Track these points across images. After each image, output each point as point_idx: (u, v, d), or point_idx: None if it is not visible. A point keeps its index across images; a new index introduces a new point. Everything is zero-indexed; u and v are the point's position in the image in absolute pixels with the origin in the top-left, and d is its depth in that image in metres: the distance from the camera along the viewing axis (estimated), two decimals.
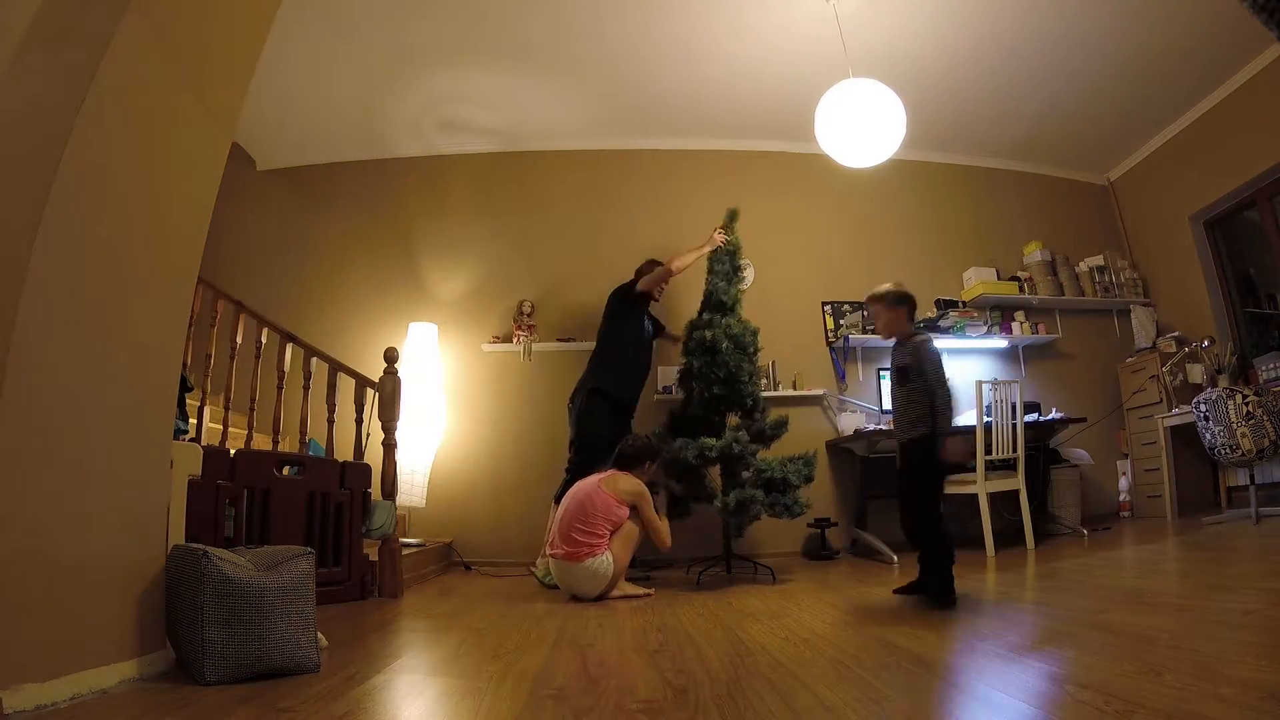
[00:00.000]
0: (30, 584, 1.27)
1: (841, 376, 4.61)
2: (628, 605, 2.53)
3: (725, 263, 3.60)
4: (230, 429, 2.97)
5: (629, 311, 3.73)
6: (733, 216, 3.71)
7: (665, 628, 2.01)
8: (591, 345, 4.46)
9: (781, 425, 3.32)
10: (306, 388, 3.13)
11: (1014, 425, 3.50)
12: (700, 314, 3.51)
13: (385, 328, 4.52)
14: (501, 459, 4.39)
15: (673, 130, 4.87)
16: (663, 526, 2.88)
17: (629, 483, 2.84)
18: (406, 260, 4.75)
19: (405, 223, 4.83)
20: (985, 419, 3.47)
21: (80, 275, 1.43)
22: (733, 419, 3.34)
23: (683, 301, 4.20)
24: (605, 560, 2.66)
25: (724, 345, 3.25)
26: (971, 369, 4.70)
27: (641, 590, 2.79)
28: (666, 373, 4.27)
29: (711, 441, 3.08)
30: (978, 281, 4.81)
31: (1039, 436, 4.04)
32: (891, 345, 2.55)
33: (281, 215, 4.85)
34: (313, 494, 2.63)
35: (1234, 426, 3.45)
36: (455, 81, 4.25)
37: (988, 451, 3.44)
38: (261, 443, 3.08)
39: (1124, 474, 4.60)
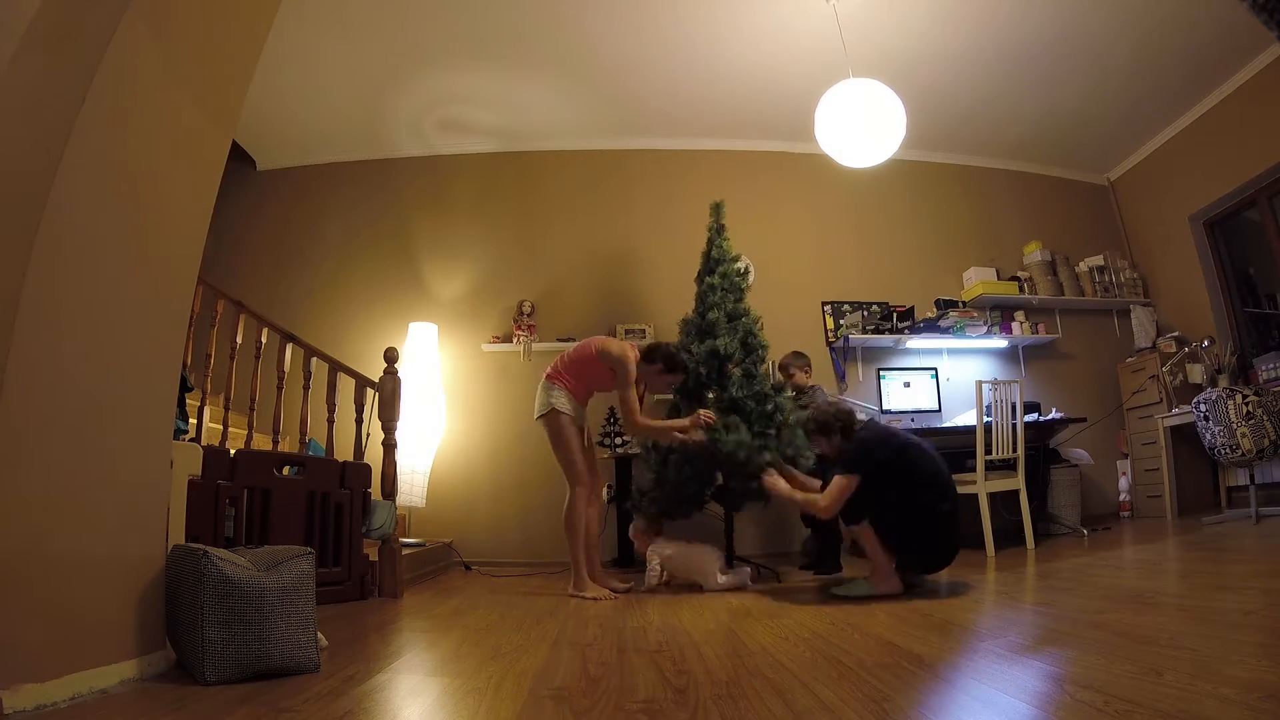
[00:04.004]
0: (30, 584, 1.27)
1: (841, 376, 4.61)
2: (625, 605, 2.53)
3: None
4: (230, 429, 2.97)
5: None
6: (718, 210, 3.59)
7: (665, 627, 2.01)
8: None
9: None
10: (306, 388, 3.13)
11: (1014, 425, 3.50)
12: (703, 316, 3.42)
13: (385, 328, 4.52)
14: (501, 459, 4.39)
15: (673, 130, 4.87)
16: (630, 409, 2.81)
17: (618, 349, 2.84)
18: (406, 260, 4.75)
19: (405, 223, 4.83)
20: (985, 419, 3.48)
21: (80, 275, 1.42)
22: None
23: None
24: (556, 392, 2.81)
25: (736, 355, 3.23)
26: (971, 369, 4.71)
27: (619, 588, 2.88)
28: None
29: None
30: (978, 281, 4.81)
31: (1039, 436, 4.03)
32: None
33: (281, 215, 4.85)
34: (313, 494, 2.63)
35: (1234, 426, 3.45)
36: (455, 81, 4.26)
37: (988, 451, 3.44)
38: (261, 443, 3.08)
39: (1124, 474, 4.61)
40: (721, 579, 2.78)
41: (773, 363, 4.30)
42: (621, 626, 2.07)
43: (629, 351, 2.86)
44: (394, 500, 3.00)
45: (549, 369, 2.94)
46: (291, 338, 3.15)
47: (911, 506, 2.38)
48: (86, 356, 1.43)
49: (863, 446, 2.51)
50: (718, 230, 3.57)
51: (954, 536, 2.43)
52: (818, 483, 2.80)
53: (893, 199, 5.04)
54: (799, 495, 2.70)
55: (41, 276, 1.32)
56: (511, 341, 4.49)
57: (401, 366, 3.36)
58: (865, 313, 4.67)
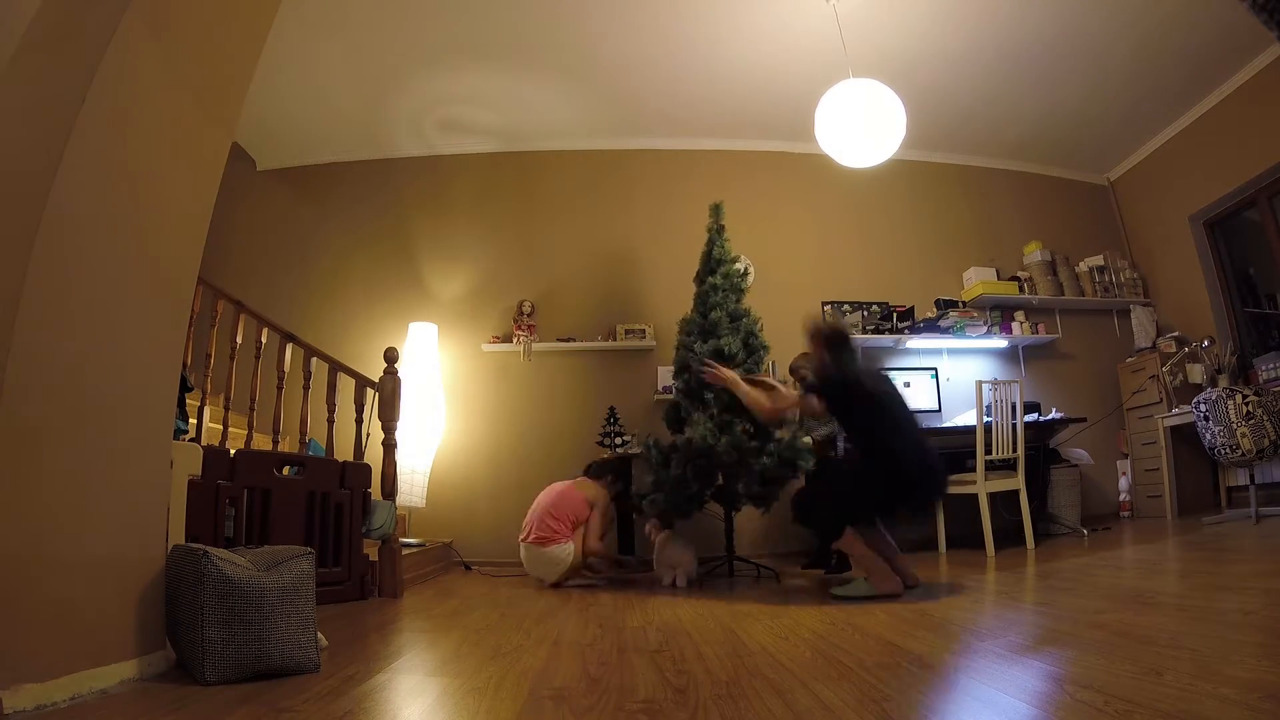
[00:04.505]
0: (30, 584, 1.27)
1: None
2: (626, 603, 2.53)
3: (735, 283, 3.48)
4: (230, 429, 2.97)
5: None
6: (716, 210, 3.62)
7: (665, 627, 2.01)
8: (589, 345, 4.43)
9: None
10: (306, 388, 3.13)
11: (1014, 425, 3.50)
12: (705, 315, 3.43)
13: (385, 328, 4.52)
14: (501, 459, 4.39)
15: (673, 130, 4.87)
16: (597, 534, 3.21)
17: (594, 490, 3.31)
18: (406, 260, 4.75)
19: (405, 223, 4.83)
20: (985, 419, 3.48)
21: (80, 275, 1.42)
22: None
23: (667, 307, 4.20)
24: (567, 549, 3.09)
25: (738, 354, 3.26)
26: (971, 369, 4.71)
27: (592, 579, 3.26)
28: (665, 373, 4.26)
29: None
30: (978, 281, 4.81)
31: (1039, 436, 4.03)
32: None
33: (281, 215, 4.85)
34: (313, 494, 2.63)
35: (1234, 426, 3.45)
36: (455, 81, 4.26)
37: (988, 451, 3.44)
38: (261, 443, 3.08)
39: (1124, 474, 4.61)
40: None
41: (774, 363, 4.32)
42: (621, 626, 2.07)
43: (600, 489, 3.33)
44: (394, 500, 3.00)
45: (538, 533, 3.14)
46: (291, 338, 3.15)
47: (872, 444, 2.55)
48: (86, 356, 1.43)
49: (826, 381, 2.63)
50: (718, 231, 3.57)
51: (915, 474, 2.49)
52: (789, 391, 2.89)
53: (893, 199, 5.04)
54: (744, 386, 2.79)
55: (41, 276, 1.32)
56: (511, 341, 4.49)
57: (401, 366, 3.36)
58: (865, 312, 4.67)
